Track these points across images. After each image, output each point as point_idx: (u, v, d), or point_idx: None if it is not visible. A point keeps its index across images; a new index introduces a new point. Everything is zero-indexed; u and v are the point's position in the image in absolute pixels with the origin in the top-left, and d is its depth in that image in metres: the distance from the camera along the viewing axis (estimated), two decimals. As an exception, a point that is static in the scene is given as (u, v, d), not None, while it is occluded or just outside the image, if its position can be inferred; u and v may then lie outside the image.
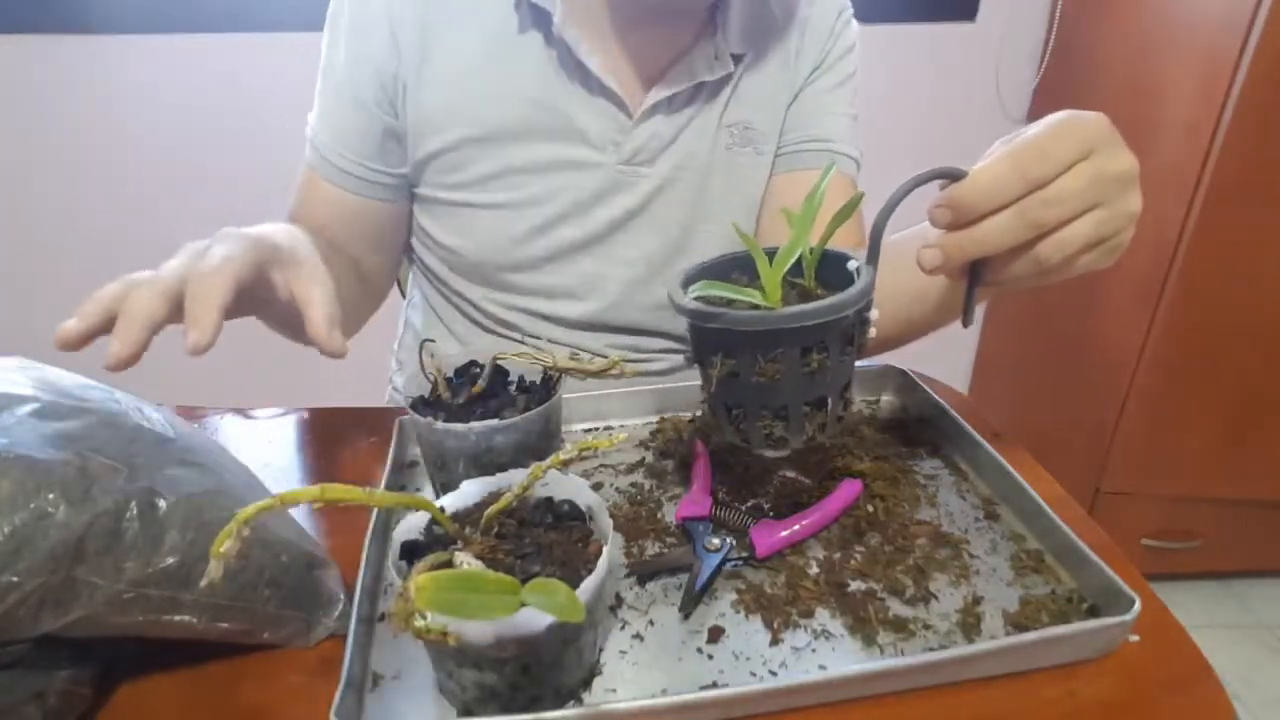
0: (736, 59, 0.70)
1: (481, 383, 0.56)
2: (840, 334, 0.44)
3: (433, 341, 0.57)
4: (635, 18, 0.67)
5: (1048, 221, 0.41)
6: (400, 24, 0.67)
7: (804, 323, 0.41)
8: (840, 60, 0.76)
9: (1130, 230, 0.43)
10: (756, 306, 0.43)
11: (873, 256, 0.44)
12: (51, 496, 0.37)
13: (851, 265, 0.45)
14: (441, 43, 0.67)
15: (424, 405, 0.55)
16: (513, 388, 0.58)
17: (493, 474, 0.46)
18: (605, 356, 0.72)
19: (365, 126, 0.70)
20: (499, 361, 0.57)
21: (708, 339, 0.45)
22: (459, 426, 0.49)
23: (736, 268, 0.50)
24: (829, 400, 0.46)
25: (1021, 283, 0.45)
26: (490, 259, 0.75)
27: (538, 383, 0.58)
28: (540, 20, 0.66)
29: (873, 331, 0.46)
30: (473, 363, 0.58)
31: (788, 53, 0.73)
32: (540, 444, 0.53)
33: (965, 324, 0.49)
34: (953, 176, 0.41)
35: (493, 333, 0.79)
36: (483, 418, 0.52)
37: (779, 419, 0.46)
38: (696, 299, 0.44)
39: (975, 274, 0.46)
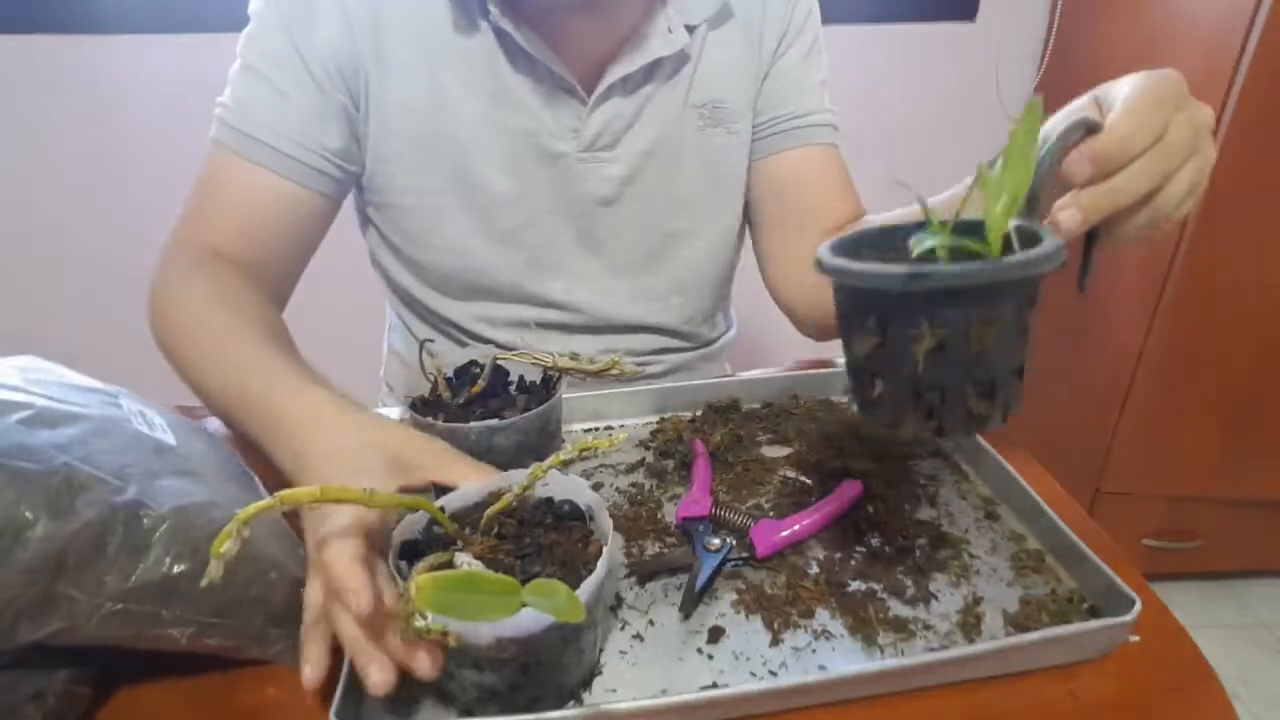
0: (691, 30, 0.68)
1: (481, 382, 0.56)
2: (1040, 289, 0.39)
3: (431, 341, 0.57)
4: (544, 11, 0.64)
5: (1169, 170, 0.41)
6: (353, 13, 0.63)
7: (1030, 271, 0.36)
8: (804, 27, 0.74)
9: (1207, 178, 0.44)
10: (973, 256, 0.37)
11: (1032, 209, 0.41)
12: (32, 508, 0.36)
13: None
14: (394, 40, 0.65)
15: (424, 405, 0.55)
16: (512, 388, 0.58)
17: None
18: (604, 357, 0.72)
19: (313, 105, 0.64)
20: (499, 362, 0.57)
21: (916, 306, 0.37)
22: (459, 426, 0.49)
23: (865, 244, 0.44)
24: (1024, 369, 0.41)
25: (1132, 241, 0.44)
26: (468, 264, 0.72)
27: (538, 383, 0.58)
28: (482, 9, 0.64)
29: None
30: (472, 363, 0.58)
31: (749, 26, 0.72)
32: (540, 444, 0.53)
33: (1082, 289, 0.46)
34: (1091, 128, 0.40)
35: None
36: (483, 418, 0.52)
37: (983, 396, 0.39)
38: (919, 258, 0.37)
39: (1091, 236, 0.44)
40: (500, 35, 0.64)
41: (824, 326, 0.76)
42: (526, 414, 0.51)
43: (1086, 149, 0.41)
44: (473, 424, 0.50)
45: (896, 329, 0.38)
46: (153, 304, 0.62)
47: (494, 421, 0.50)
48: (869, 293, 0.38)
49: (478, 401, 0.56)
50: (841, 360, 0.74)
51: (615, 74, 0.66)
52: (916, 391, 0.39)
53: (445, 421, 0.51)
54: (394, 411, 0.64)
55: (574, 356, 0.56)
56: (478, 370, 0.57)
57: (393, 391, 0.88)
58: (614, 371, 0.56)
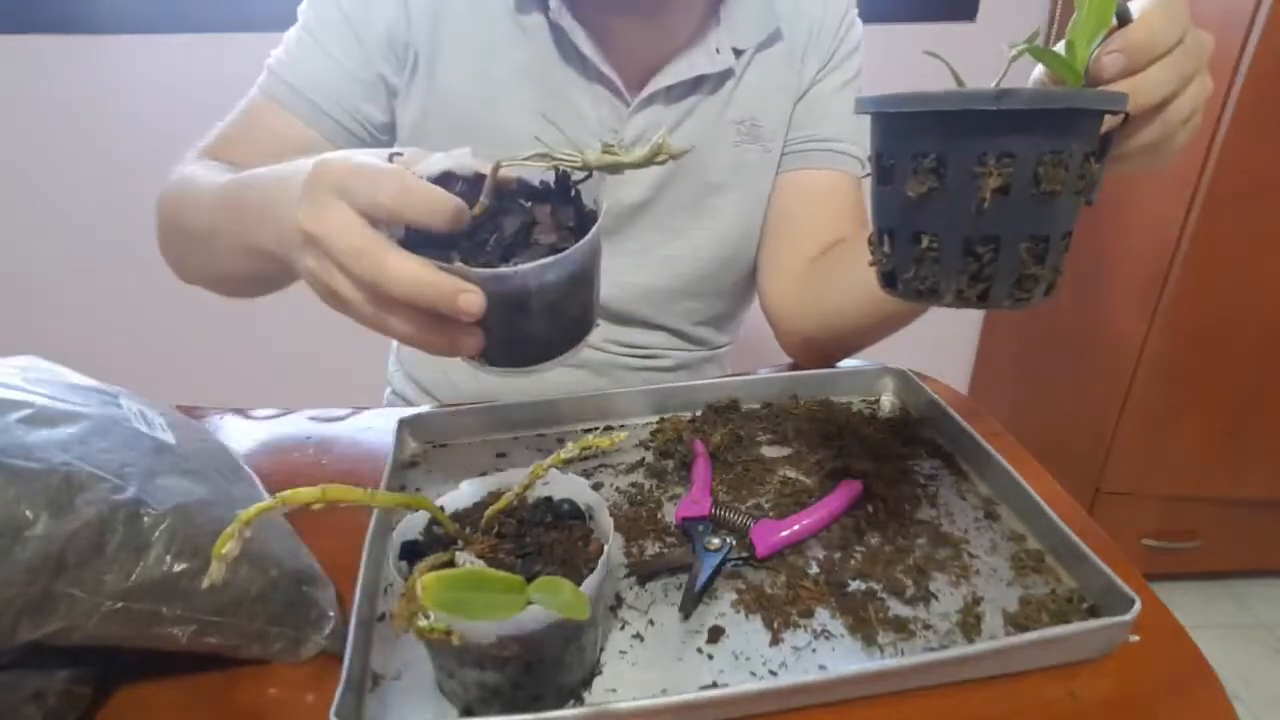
0: (739, 53, 0.71)
1: (484, 200, 0.42)
2: (1099, 141, 0.38)
3: (399, 155, 0.43)
4: (604, 14, 0.66)
5: (1188, 73, 0.41)
6: None
7: (1108, 105, 0.36)
8: (847, 59, 0.76)
9: (1202, 112, 0.44)
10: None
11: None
12: (32, 507, 0.36)
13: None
14: (452, 22, 0.68)
15: (416, 243, 0.39)
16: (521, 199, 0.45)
17: (546, 322, 0.40)
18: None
19: (358, 72, 0.68)
20: (504, 169, 0.42)
21: (988, 136, 0.35)
22: (504, 272, 0.38)
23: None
24: (1070, 237, 0.39)
25: (1137, 159, 0.44)
26: None
27: (551, 184, 0.45)
28: (541, 3, 0.66)
29: None
30: (449, 175, 0.43)
31: (793, 50, 0.73)
32: (593, 270, 0.43)
33: (1090, 202, 0.43)
34: (1120, 15, 0.39)
35: None
36: (503, 246, 0.41)
37: (1033, 257, 0.37)
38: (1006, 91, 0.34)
39: (1104, 146, 0.43)
40: (555, 30, 0.67)
41: (807, 341, 0.76)
42: (582, 242, 0.39)
43: (1118, 40, 0.40)
44: (520, 267, 0.38)
45: (959, 165, 0.36)
46: (160, 193, 0.66)
47: (547, 260, 0.39)
48: (934, 124, 0.36)
49: (487, 225, 0.42)
50: (841, 362, 0.74)
51: (660, 83, 0.69)
52: (968, 244, 0.37)
53: (461, 260, 0.38)
54: (401, 412, 0.64)
55: (607, 149, 0.41)
56: (461, 186, 0.42)
57: (402, 366, 0.88)
58: (660, 158, 0.41)
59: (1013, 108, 0.34)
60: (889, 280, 0.42)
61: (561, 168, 0.43)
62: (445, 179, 0.43)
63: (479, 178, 0.43)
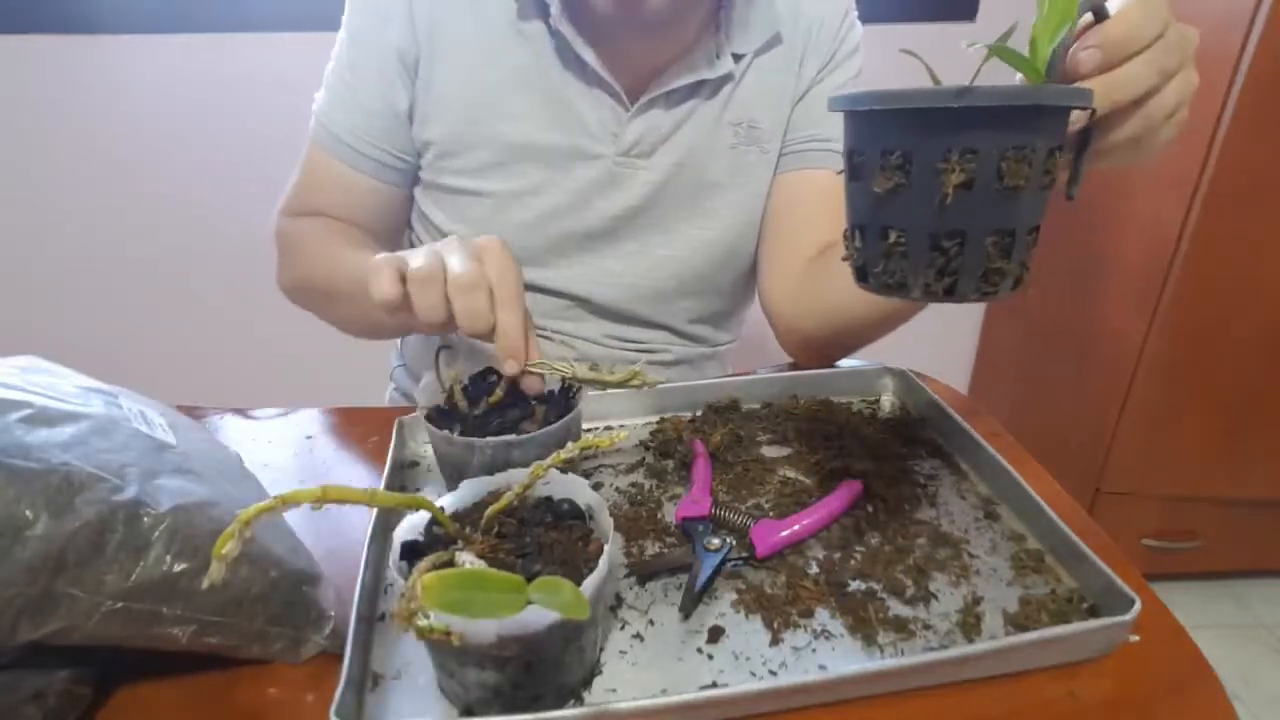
0: (738, 58, 0.71)
1: (499, 392, 0.55)
2: (1066, 137, 0.39)
3: (449, 349, 0.56)
4: (607, 24, 0.66)
5: (1169, 69, 0.40)
6: (417, 9, 0.68)
7: (1070, 101, 0.36)
8: (846, 61, 0.76)
9: (1188, 105, 0.43)
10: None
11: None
12: (32, 507, 0.36)
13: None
14: (450, 30, 0.69)
15: (440, 415, 0.54)
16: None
17: None
18: (625, 365, 0.72)
19: (382, 108, 0.71)
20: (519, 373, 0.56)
21: (951, 132, 0.36)
22: (475, 441, 0.49)
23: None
24: (1038, 232, 0.39)
25: (1119, 153, 0.43)
26: None
27: (556, 392, 0.58)
28: (541, 9, 0.67)
29: None
30: (489, 370, 0.58)
31: (792, 53, 0.74)
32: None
33: (1070, 197, 0.44)
34: (1096, 11, 0.39)
35: None
36: (500, 429, 0.51)
37: (1001, 251, 0.38)
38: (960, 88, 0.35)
39: (1085, 141, 0.43)
40: (555, 37, 0.68)
41: (807, 340, 0.76)
42: (546, 429, 0.50)
43: (1094, 35, 0.39)
44: (489, 439, 0.49)
45: (923, 162, 0.37)
46: (278, 246, 0.76)
47: (511, 437, 0.49)
48: (899, 121, 0.37)
49: (495, 412, 0.54)
50: (841, 362, 0.74)
51: (659, 88, 0.69)
52: (934, 239, 0.38)
53: (462, 433, 0.50)
54: (401, 374, 0.64)
55: (593, 367, 0.55)
56: (495, 379, 0.57)
57: (405, 363, 0.89)
58: (635, 383, 0.54)
59: (972, 104, 0.35)
60: (861, 275, 0.43)
61: (565, 380, 0.55)
62: (486, 373, 0.57)
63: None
